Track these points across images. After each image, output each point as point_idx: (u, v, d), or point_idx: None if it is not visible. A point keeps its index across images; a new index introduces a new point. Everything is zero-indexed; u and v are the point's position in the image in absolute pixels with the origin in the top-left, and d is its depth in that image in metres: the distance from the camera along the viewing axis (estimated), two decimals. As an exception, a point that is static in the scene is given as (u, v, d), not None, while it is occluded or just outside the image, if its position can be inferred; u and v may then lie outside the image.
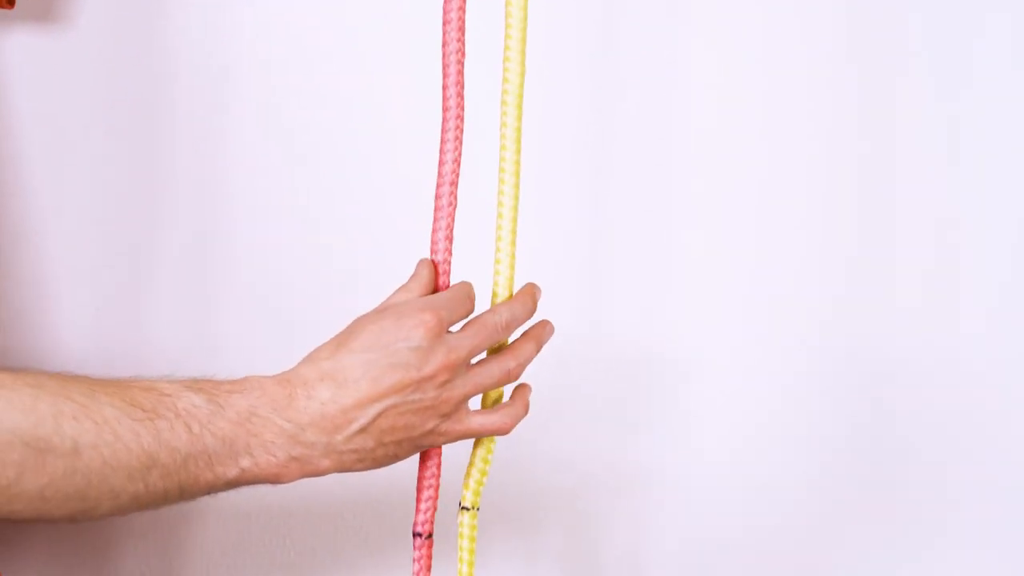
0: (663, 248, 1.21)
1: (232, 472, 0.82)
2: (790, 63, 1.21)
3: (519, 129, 0.90)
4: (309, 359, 0.86)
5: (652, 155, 1.20)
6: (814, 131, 1.22)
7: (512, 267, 0.91)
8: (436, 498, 0.91)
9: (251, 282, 1.16)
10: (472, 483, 0.92)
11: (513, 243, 0.91)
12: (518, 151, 0.90)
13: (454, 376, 0.86)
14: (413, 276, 0.90)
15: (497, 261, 0.91)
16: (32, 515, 0.77)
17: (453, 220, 0.90)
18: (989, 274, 1.25)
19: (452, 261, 0.91)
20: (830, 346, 1.24)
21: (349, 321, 0.88)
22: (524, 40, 0.89)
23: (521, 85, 0.90)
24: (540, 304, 0.92)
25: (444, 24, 0.89)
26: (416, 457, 0.91)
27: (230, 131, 1.14)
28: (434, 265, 0.90)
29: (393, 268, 0.95)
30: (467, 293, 0.89)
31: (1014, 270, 1.25)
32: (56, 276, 1.12)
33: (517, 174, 0.90)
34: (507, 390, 0.93)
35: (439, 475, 0.92)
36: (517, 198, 0.90)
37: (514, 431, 0.90)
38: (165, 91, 1.13)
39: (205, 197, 1.15)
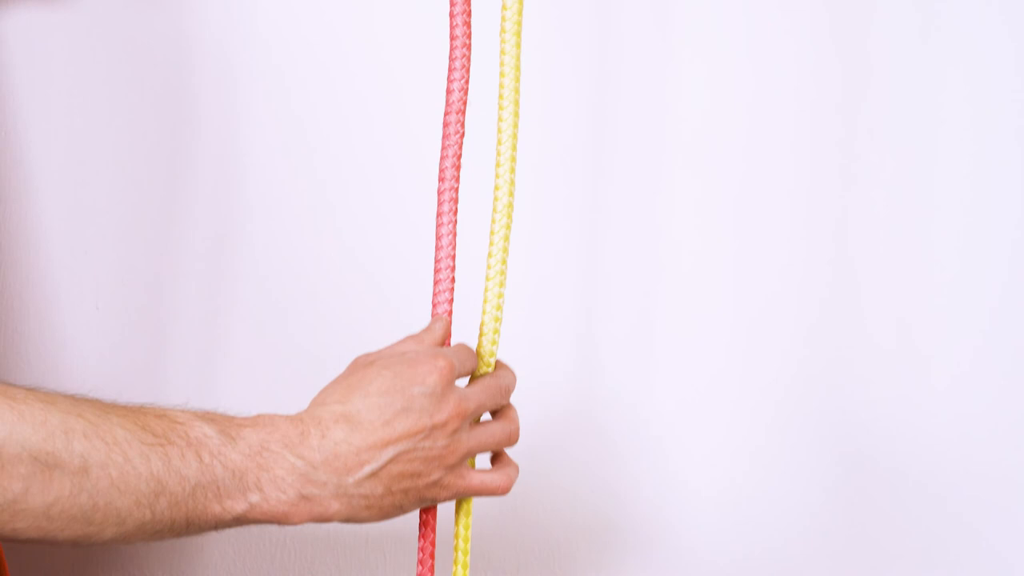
0: (645, 307, 1.22)
1: (240, 506, 0.80)
2: (784, 80, 1.22)
3: (511, 191, 0.91)
4: (320, 401, 0.85)
5: (633, 223, 1.22)
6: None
7: (497, 338, 0.92)
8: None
9: (260, 310, 1.18)
10: (460, 556, 0.92)
11: (500, 307, 0.92)
12: (510, 217, 0.91)
13: (462, 426, 0.86)
14: (427, 329, 0.91)
15: (482, 323, 0.92)
16: (36, 534, 0.76)
17: (454, 281, 0.92)
18: (968, 318, 1.24)
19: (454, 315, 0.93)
20: (810, 395, 1.24)
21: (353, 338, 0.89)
22: (518, 81, 0.91)
23: (515, 136, 0.91)
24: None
25: (450, 62, 0.91)
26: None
27: (243, 141, 1.17)
28: (448, 324, 0.91)
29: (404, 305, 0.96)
30: (472, 351, 0.90)
31: (993, 314, 1.24)
32: (60, 284, 1.13)
33: (508, 226, 0.91)
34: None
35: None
36: (504, 267, 0.92)
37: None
38: (180, 94, 1.15)
39: (221, 210, 1.17)
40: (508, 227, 0.91)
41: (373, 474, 0.83)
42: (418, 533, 0.92)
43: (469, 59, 0.91)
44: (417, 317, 0.99)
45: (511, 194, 0.91)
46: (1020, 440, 1.24)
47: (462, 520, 0.92)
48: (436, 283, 0.92)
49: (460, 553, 0.92)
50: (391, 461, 0.83)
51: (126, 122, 1.15)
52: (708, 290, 1.22)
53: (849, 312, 1.23)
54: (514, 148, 0.91)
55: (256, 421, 0.83)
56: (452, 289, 0.92)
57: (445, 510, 0.96)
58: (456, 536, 0.93)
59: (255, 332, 1.19)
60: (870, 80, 1.22)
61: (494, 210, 0.91)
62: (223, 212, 1.17)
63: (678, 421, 1.23)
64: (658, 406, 1.22)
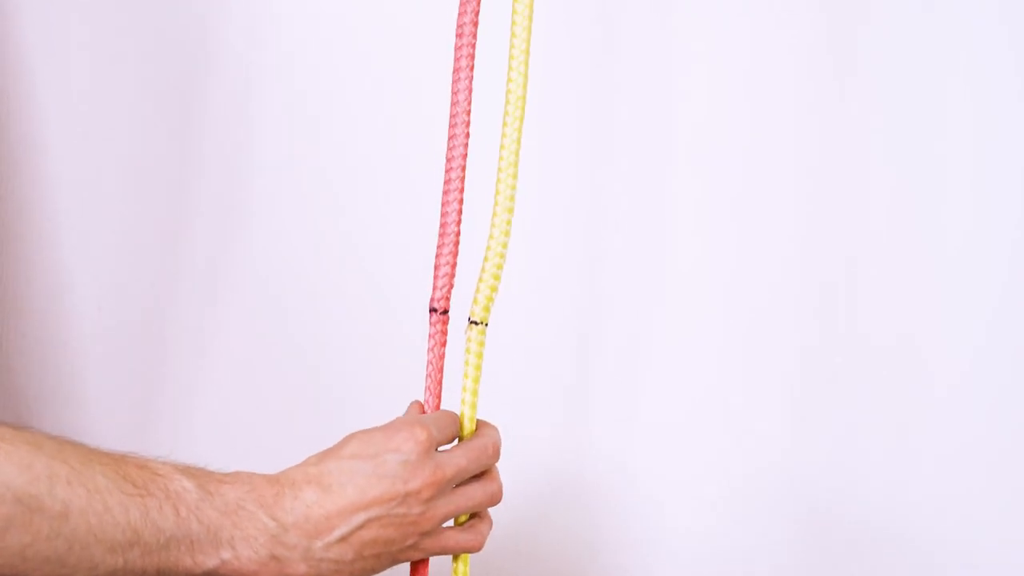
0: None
1: (212, 562, 0.82)
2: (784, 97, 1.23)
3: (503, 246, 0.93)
4: (300, 464, 0.87)
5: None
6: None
7: (474, 406, 0.93)
8: (453, 276, 0.92)
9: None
10: None
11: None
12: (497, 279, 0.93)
13: (439, 494, 0.87)
14: (406, 413, 0.92)
15: (464, 389, 0.93)
16: (7, 572, 0.78)
17: (442, 374, 0.93)
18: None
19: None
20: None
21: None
22: (524, 105, 0.92)
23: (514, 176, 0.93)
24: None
25: (454, 83, 0.92)
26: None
27: (250, 144, 1.18)
28: (420, 406, 0.93)
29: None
30: (454, 418, 0.91)
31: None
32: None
33: (477, 379, 0.93)
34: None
35: None
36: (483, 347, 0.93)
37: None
38: (187, 98, 1.16)
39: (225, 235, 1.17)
40: (479, 369, 0.92)
41: (343, 539, 0.84)
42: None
43: (473, 65, 0.92)
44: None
45: (490, 299, 0.92)
46: (990, 496, 1.25)
47: (461, 559, 0.93)
48: (428, 362, 0.93)
49: None
50: (362, 527, 0.84)
51: (130, 124, 1.16)
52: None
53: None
54: (507, 233, 0.92)
55: (235, 478, 0.84)
56: (441, 372, 0.93)
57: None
58: (455, 572, 0.93)
59: (255, 332, 1.20)
60: (869, 80, 1.22)
61: (466, 351, 0.92)
62: (227, 213, 1.18)
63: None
64: (641, 461, 1.23)
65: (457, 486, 0.89)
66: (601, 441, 1.24)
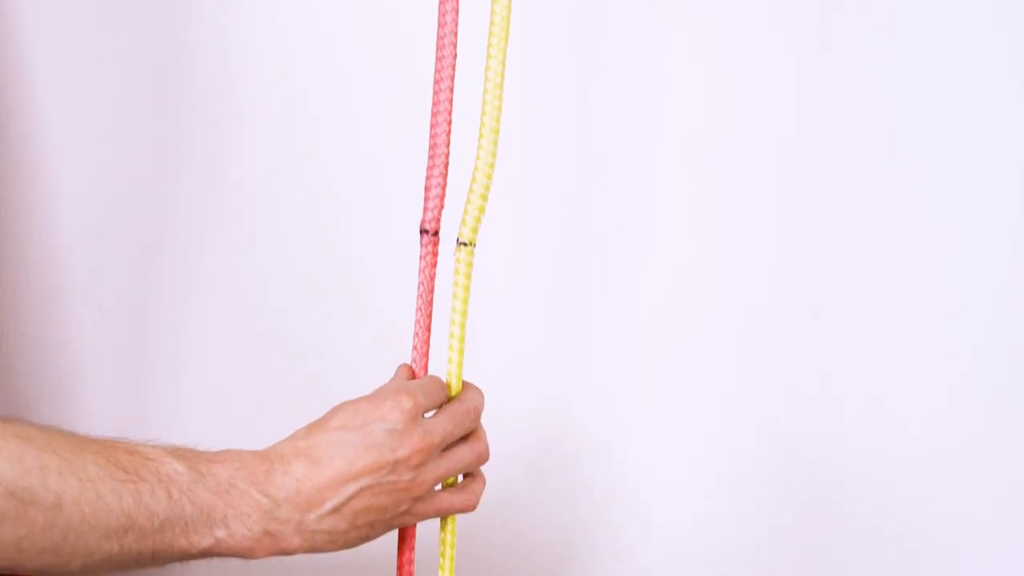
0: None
1: (206, 541, 0.83)
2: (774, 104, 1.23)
3: (479, 216, 0.93)
4: (287, 438, 0.87)
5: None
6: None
7: (461, 364, 0.94)
8: (443, 197, 0.93)
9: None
10: (447, 563, 0.94)
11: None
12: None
13: (428, 459, 0.87)
14: (392, 378, 0.93)
15: (449, 359, 0.93)
16: (3, 564, 0.79)
17: (429, 342, 0.93)
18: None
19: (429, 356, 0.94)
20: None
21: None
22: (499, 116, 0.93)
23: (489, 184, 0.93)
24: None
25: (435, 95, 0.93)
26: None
27: (247, 143, 1.18)
28: (411, 368, 0.93)
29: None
30: (440, 383, 0.92)
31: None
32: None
33: (466, 300, 0.93)
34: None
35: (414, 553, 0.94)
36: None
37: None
38: (186, 96, 1.16)
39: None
40: (467, 290, 0.93)
41: (335, 510, 0.85)
42: (397, 548, 0.94)
43: (454, 66, 0.93)
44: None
45: (478, 220, 0.93)
46: (990, 496, 1.26)
47: (448, 527, 0.94)
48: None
49: (447, 560, 0.94)
50: (353, 497, 0.85)
51: (129, 122, 1.16)
52: (682, 321, 1.23)
53: (823, 351, 1.25)
54: (488, 185, 0.93)
55: (224, 457, 0.85)
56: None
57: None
58: (442, 543, 0.94)
59: (255, 333, 1.20)
60: (868, 80, 1.22)
61: (456, 271, 0.93)
62: (227, 214, 1.18)
63: (646, 451, 1.24)
64: (628, 437, 1.24)
65: (445, 449, 0.90)
66: (586, 408, 1.25)
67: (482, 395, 0.93)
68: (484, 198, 0.92)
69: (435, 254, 0.93)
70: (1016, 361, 1.24)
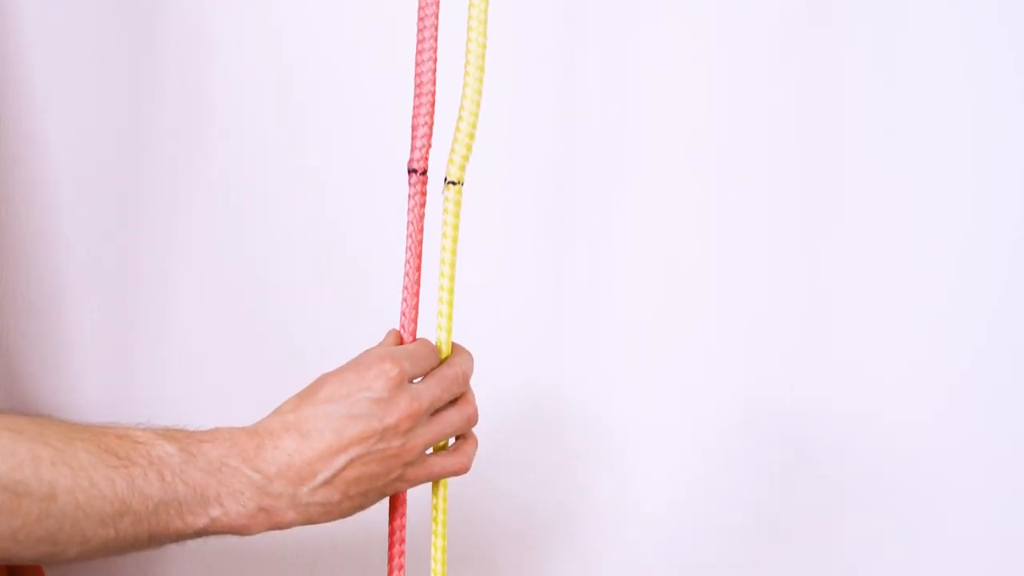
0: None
1: (202, 521, 0.84)
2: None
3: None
4: (275, 412, 0.88)
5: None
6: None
7: (450, 328, 0.93)
8: (430, 136, 0.92)
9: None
10: (439, 528, 0.95)
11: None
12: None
13: (416, 425, 0.88)
14: (381, 342, 0.93)
15: (439, 324, 0.93)
16: (1, 555, 0.79)
17: (418, 295, 0.93)
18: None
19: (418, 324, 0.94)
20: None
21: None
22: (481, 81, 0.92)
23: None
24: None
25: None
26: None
27: (248, 143, 1.18)
28: (399, 333, 0.93)
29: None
30: (431, 349, 0.92)
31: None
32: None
33: (455, 240, 0.93)
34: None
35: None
36: (454, 266, 0.93)
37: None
38: (185, 95, 1.16)
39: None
40: (456, 228, 0.92)
41: (327, 482, 0.85)
42: (388, 514, 0.95)
43: (438, 2, 0.92)
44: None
45: (466, 158, 0.92)
46: (990, 496, 1.26)
47: (440, 491, 0.95)
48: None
49: (439, 525, 0.95)
50: (345, 468, 0.86)
51: (129, 123, 1.16)
52: (671, 297, 1.23)
53: (812, 326, 1.25)
54: (468, 151, 0.93)
55: (214, 435, 0.85)
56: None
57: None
58: (435, 508, 0.95)
59: (255, 333, 1.20)
60: (868, 80, 1.22)
61: (444, 211, 0.92)
62: (226, 214, 1.18)
63: (635, 425, 1.24)
64: (617, 411, 1.24)
65: (433, 413, 0.90)
66: (576, 369, 1.24)
67: (471, 358, 0.93)
68: (471, 136, 0.92)
69: (424, 193, 0.93)
70: (1016, 361, 1.25)
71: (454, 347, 0.94)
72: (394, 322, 0.95)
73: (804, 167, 1.24)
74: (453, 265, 0.92)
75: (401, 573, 0.93)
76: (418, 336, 0.93)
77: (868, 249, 1.24)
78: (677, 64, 1.22)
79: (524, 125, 1.22)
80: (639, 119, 1.22)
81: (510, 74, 1.18)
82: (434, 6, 0.91)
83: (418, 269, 0.93)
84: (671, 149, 1.22)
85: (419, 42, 0.92)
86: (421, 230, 0.92)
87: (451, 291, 0.93)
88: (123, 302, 1.18)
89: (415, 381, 0.90)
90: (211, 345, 1.20)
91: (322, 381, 0.88)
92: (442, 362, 0.92)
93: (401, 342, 0.93)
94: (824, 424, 1.26)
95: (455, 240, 0.92)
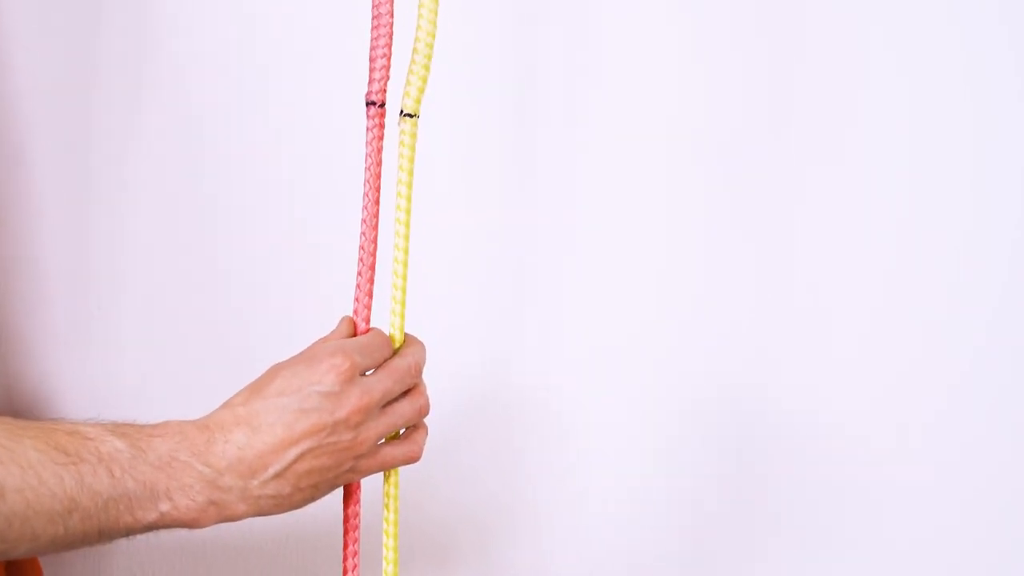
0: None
1: (151, 516, 0.83)
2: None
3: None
4: (226, 404, 0.87)
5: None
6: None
7: (403, 316, 0.93)
8: (388, 68, 0.91)
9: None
10: (391, 515, 0.94)
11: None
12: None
13: (367, 418, 0.87)
14: (334, 330, 0.92)
15: (392, 311, 0.93)
16: None
17: (372, 281, 0.92)
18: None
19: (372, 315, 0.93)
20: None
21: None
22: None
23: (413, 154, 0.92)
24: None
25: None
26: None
27: (247, 143, 1.18)
28: (353, 322, 0.92)
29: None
30: (383, 340, 0.91)
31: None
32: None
33: (411, 173, 0.92)
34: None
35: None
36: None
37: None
38: (183, 95, 1.17)
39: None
40: (412, 162, 0.92)
41: (278, 475, 0.85)
42: (342, 502, 0.95)
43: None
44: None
45: (421, 90, 0.91)
46: (990, 496, 1.26)
47: (391, 479, 0.94)
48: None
49: (391, 512, 0.94)
50: (296, 461, 0.85)
51: (127, 124, 1.17)
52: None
53: (822, 350, 1.24)
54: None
55: (164, 429, 0.85)
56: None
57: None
58: (386, 495, 0.94)
59: (254, 333, 1.21)
60: (867, 80, 1.21)
61: (400, 143, 0.92)
62: (225, 215, 1.19)
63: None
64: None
65: (385, 405, 0.90)
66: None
67: (423, 348, 0.93)
68: (427, 67, 0.91)
69: (382, 126, 0.92)
70: (1016, 361, 1.24)
71: (407, 337, 0.93)
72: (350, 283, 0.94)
73: (805, 181, 1.23)
74: (409, 199, 0.91)
75: (355, 559, 0.93)
76: (371, 323, 0.93)
77: (868, 249, 1.23)
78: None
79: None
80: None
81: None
82: None
83: (377, 203, 0.92)
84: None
85: None
86: (380, 163, 0.92)
87: (406, 250, 0.92)
88: (123, 303, 1.19)
89: (367, 373, 0.89)
90: (211, 345, 1.20)
91: (273, 373, 0.88)
92: (395, 352, 0.92)
93: (355, 331, 0.93)
94: (840, 451, 1.26)
95: (411, 173, 0.91)
